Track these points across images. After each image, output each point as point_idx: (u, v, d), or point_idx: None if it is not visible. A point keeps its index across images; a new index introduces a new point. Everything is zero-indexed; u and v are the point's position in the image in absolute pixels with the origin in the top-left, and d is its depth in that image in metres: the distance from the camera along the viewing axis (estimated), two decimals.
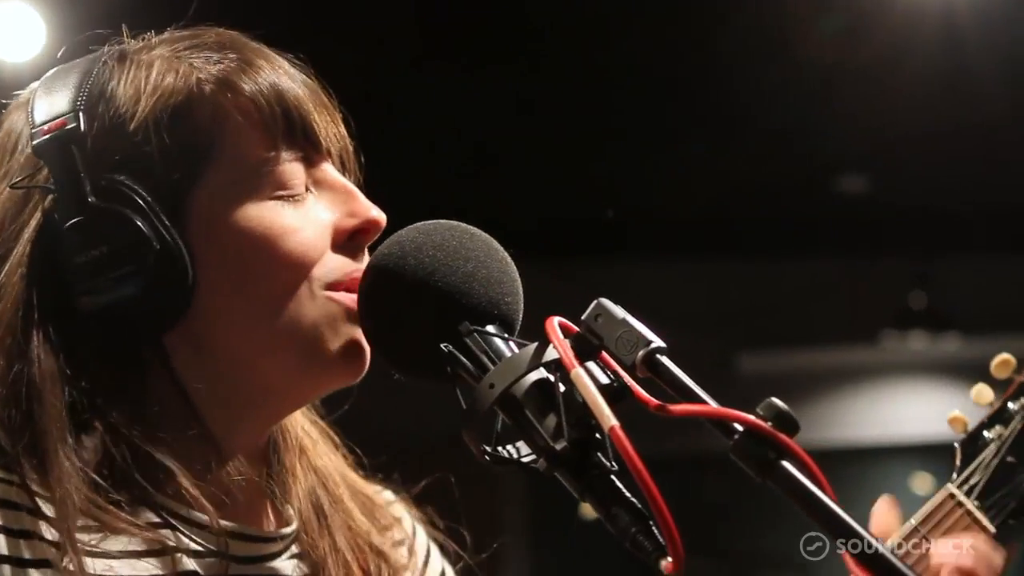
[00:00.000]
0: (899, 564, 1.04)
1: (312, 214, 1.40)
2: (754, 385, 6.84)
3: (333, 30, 4.70)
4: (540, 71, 5.39)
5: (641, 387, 1.19)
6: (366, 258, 1.43)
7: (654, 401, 1.16)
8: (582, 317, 1.21)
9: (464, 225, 1.34)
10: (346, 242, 1.41)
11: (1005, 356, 1.66)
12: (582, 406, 1.16)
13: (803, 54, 5.07)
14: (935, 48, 5.05)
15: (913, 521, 1.57)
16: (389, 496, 1.66)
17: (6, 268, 1.37)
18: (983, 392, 1.66)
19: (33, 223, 1.37)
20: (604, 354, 1.20)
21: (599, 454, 1.18)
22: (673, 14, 4.94)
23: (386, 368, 1.35)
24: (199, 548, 1.36)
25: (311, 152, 1.42)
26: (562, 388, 1.18)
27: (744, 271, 7.13)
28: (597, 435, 1.18)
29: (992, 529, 1.57)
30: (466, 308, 1.28)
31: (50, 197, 1.36)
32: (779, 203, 6.52)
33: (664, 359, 1.17)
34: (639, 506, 1.15)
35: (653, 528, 1.14)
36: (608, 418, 1.12)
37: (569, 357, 1.16)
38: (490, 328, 1.27)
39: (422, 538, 1.67)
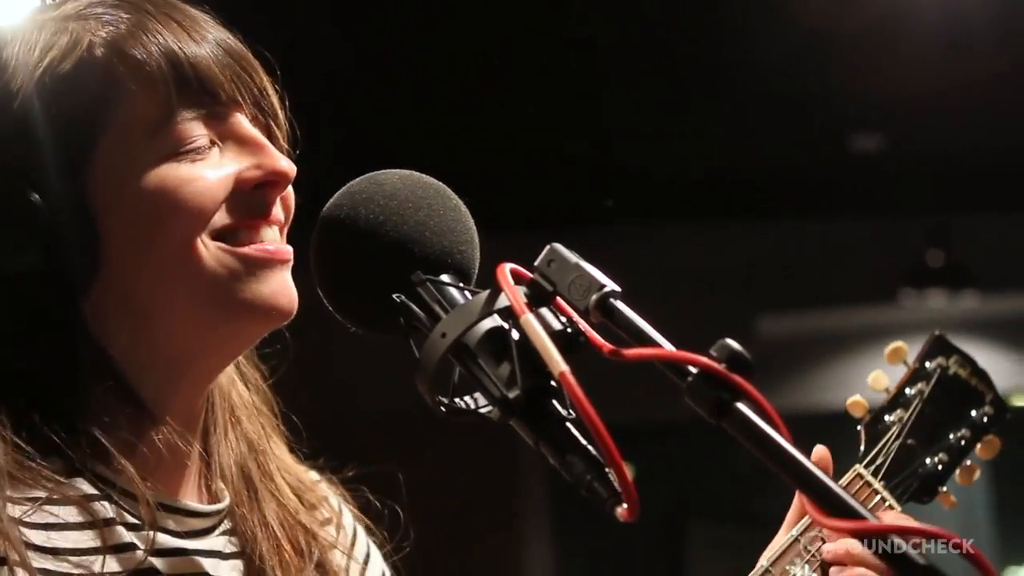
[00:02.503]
0: (853, 502, 1.00)
1: (211, 167, 1.38)
2: (773, 347, 6.80)
3: None
4: (565, 38, 5.36)
5: (597, 332, 1.16)
6: (277, 209, 1.43)
7: (608, 346, 1.13)
8: (535, 263, 1.18)
9: (417, 174, 1.31)
10: (251, 193, 1.40)
11: (897, 344, 1.74)
12: (536, 353, 1.13)
13: (813, 19, 5.04)
14: (940, 4, 5.01)
15: None
16: (315, 476, 1.65)
17: None
18: (879, 378, 1.74)
19: None
20: (559, 300, 1.17)
21: (555, 402, 1.15)
22: None
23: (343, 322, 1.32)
24: (133, 520, 1.36)
25: (214, 107, 1.40)
26: (516, 336, 1.15)
27: (761, 233, 7.09)
28: (552, 383, 1.15)
29: (898, 508, 1.64)
30: (418, 257, 1.25)
31: None
32: (794, 165, 6.48)
33: (618, 303, 1.13)
34: (595, 453, 1.13)
35: (609, 475, 1.11)
36: (558, 363, 1.08)
37: (519, 303, 1.13)
38: (444, 277, 1.24)
39: (348, 517, 1.66)
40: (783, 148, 6.27)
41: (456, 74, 5.49)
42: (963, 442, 1.71)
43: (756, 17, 5.23)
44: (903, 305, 6.88)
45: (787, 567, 1.52)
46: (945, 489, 1.70)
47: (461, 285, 1.25)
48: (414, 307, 1.23)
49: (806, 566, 1.52)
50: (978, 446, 1.72)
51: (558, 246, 1.18)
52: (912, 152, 6.38)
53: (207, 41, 1.41)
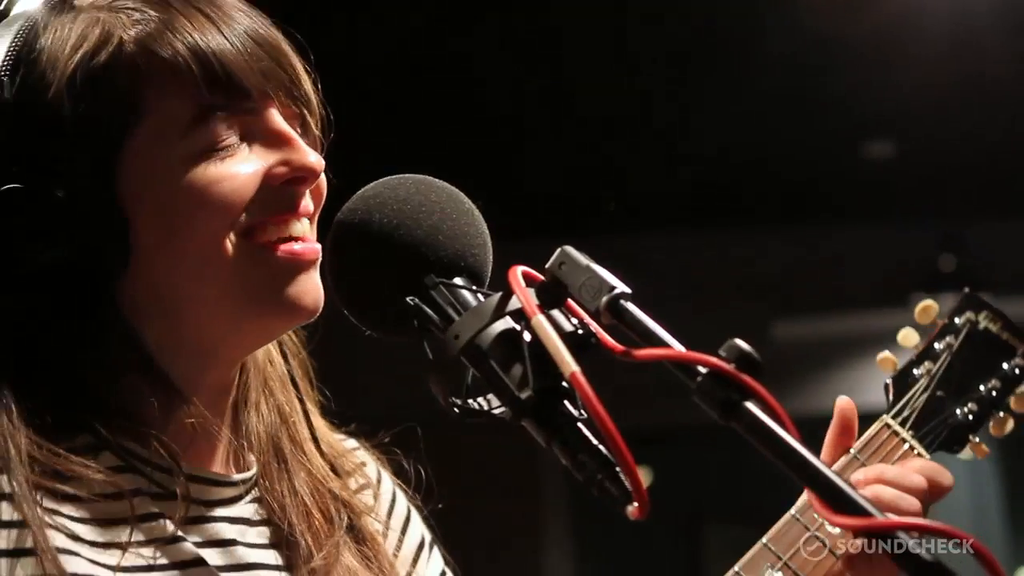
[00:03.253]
0: (861, 500, 0.99)
1: (240, 165, 1.38)
2: (789, 351, 6.77)
3: None
4: (567, 43, 5.35)
5: (609, 333, 1.15)
6: (308, 203, 1.42)
7: (619, 346, 1.13)
8: (546, 266, 1.17)
9: (430, 179, 1.31)
10: (279, 188, 1.40)
11: (927, 302, 1.71)
12: (548, 354, 1.12)
13: (828, 26, 5.03)
14: (953, 12, 4.99)
15: (852, 450, 1.59)
16: (352, 443, 1.64)
17: None
18: (909, 335, 1.72)
19: None
20: (570, 302, 1.16)
21: (566, 402, 1.14)
22: None
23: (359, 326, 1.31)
24: (159, 491, 1.37)
25: (243, 103, 1.39)
26: (528, 337, 1.15)
27: (776, 239, 7.07)
28: (564, 383, 1.14)
29: (927, 455, 1.61)
30: (431, 261, 1.24)
31: None
32: (809, 172, 6.46)
33: (628, 304, 1.12)
34: (606, 453, 1.11)
35: (620, 475, 1.10)
36: (568, 364, 1.08)
37: (530, 305, 1.12)
38: (457, 280, 1.23)
39: (387, 483, 1.65)
40: (797, 155, 6.25)
41: (469, 80, 5.48)
42: (994, 393, 1.68)
43: (770, 23, 5.22)
44: (915, 310, 6.84)
45: (761, 574, 1.51)
46: (978, 440, 1.67)
47: (474, 288, 1.24)
48: (427, 310, 1.22)
49: (779, 573, 1.51)
50: (1012, 399, 1.69)
51: (569, 249, 1.16)
52: (925, 159, 6.35)
53: (236, 33, 1.39)
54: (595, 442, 1.12)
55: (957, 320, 1.71)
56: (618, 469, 1.10)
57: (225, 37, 1.38)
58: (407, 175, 1.31)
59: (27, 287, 1.35)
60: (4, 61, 1.36)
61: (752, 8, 5.17)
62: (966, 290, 1.74)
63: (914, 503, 1.50)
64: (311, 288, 1.40)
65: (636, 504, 1.08)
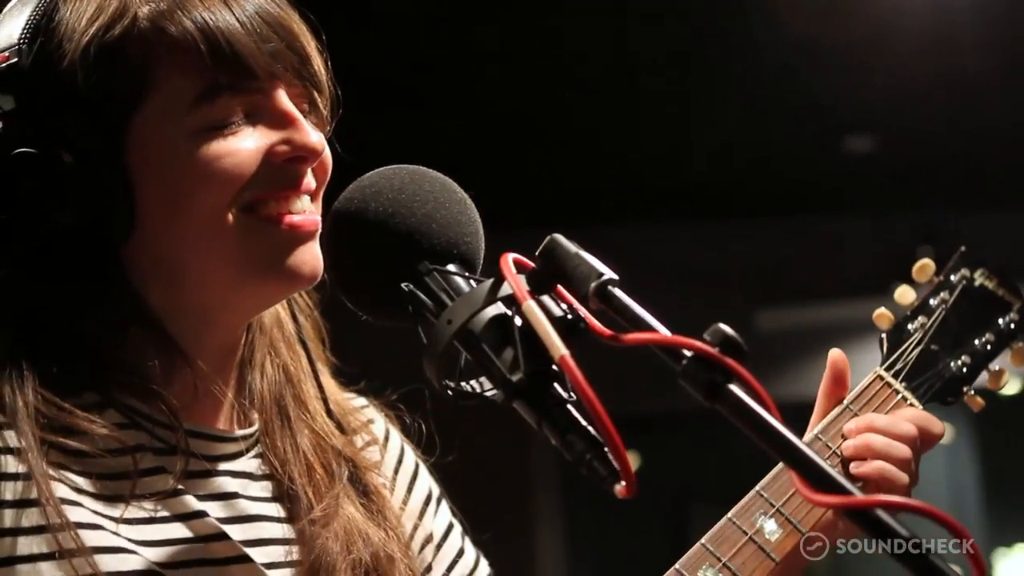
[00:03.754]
0: (840, 478, 1.00)
1: (243, 141, 1.39)
2: (772, 340, 6.79)
3: None
4: (564, 38, 5.35)
5: (597, 318, 1.16)
6: (310, 180, 1.43)
7: (607, 331, 1.14)
8: (536, 252, 1.18)
9: (424, 169, 1.32)
10: (281, 165, 1.41)
11: (924, 261, 1.71)
12: (539, 339, 1.13)
13: (806, 26, 5.04)
14: (930, 8, 5.01)
15: (845, 401, 1.58)
16: (361, 401, 1.66)
17: None
18: (906, 292, 1.71)
19: None
20: (560, 288, 1.17)
21: (556, 385, 1.15)
22: None
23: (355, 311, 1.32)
24: (162, 446, 1.39)
25: (250, 83, 1.40)
26: (519, 322, 1.15)
27: (759, 231, 7.08)
28: (554, 367, 1.15)
29: (919, 406, 1.60)
30: (425, 248, 1.26)
31: None
32: (791, 164, 6.47)
33: (616, 290, 1.13)
34: (594, 434, 1.12)
35: (608, 455, 1.11)
36: (558, 348, 1.09)
37: (521, 290, 1.13)
38: (450, 267, 1.25)
39: (395, 440, 1.67)
40: (780, 149, 6.26)
41: (460, 75, 5.48)
42: (988, 347, 1.67)
43: (752, 23, 5.23)
44: (894, 300, 6.86)
45: (753, 520, 1.50)
46: (972, 392, 1.66)
47: (467, 275, 1.25)
48: (422, 295, 1.23)
49: (772, 520, 1.50)
50: (1009, 353, 1.68)
51: (558, 236, 1.18)
52: (902, 153, 6.37)
53: (247, 13, 1.40)
54: (584, 423, 1.13)
55: (953, 277, 1.71)
56: (606, 449, 1.11)
57: (236, 16, 1.39)
58: (402, 165, 1.32)
59: (36, 249, 1.37)
60: (24, 31, 1.38)
61: (739, 13, 5.18)
62: (962, 248, 1.73)
63: (904, 450, 1.52)
64: (310, 258, 1.42)
65: (624, 483, 1.09)
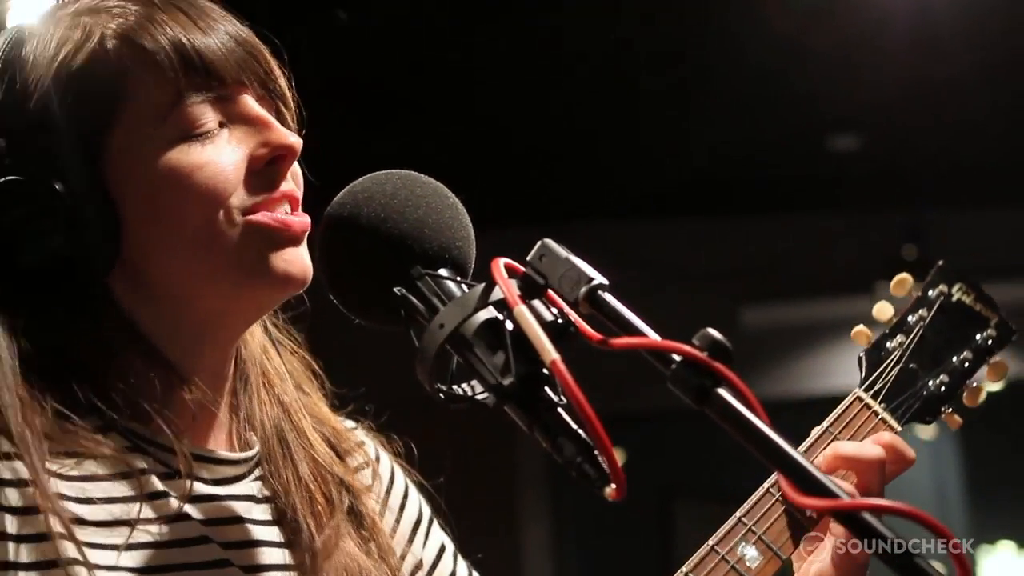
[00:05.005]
0: (827, 482, 1.01)
1: (222, 148, 1.39)
2: (757, 338, 6.81)
3: None
4: (558, 43, 5.36)
5: (587, 323, 1.17)
6: (289, 184, 1.43)
7: (597, 335, 1.14)
8: (527, 258, 1.18)
9: (416, 174, 1.33)
10: (263, 169, 1.41)
11: (902, 276, 1.68)
12: (529, 343, 1.14)
13: (792, 25, 5.06)
14: (913, 9, 5.03)
15: (824, 424, 1.58)
16: (350, 423, 1.67)
17: None
18: (884, 309, 1.68)
19: None
20: (551, 293, 1.18)
21: (547, 388, 1.16)
22: None
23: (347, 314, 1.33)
24: (166, 470, 1.39)
25: (221, 90, 1.41)
26: (510, 326, 1.16)
27: (744, 229, 7.10)
28: (544, 370, 1.16)
29: (899, 428, 1.59)
30: (417, 253, 1.26)
31: None
32: (775, 163, 6.49)
33: (606, 295, 1.14)
34: (584, 437, 1.13)
35: (598, 458, 1.12)
36: (549, 352, 1.10)
37: (512, 295, 1.14)
38: (442, 272, 1.26)
39: (386, 462, 1.67)
40: (765, 148, 6.28)
41: (451, 79, 5.49)
42: (966, 364, 1.66)
43: (738, 23, 5.24)
44: (880, 297, 6.88)
45: (735, 548, 1.50)
46: (950, 410, 1.65)
47: (458, 279, 1.26)
48: (414, 300, 1.24)
49: (752, 547, 1.50)
50: (985, 370, 1.67)
51: (549, 241, 1.18)
52: (887, 151, 6.39)
53: (213, 30, 1.42)
54: (574, 426, 1.14)
55: (931, 292, 1.68)
56: (596, 452, 1.12)
57: (201, 31, 1.41)
58: (394, 171, 1.33)
59: (26, 277, 1.37)
60: None
61: (718, 12, 5.20)
62: (940, 263, 1.71)
63: (870, 477, 1.51)
64: (299, 260, 1.42)
65: (614, 485, 1.09)
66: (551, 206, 6.40)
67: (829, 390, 6.68)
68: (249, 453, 1.49)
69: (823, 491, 1.01)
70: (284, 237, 1.40)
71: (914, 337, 1.65)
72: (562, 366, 1.08)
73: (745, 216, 7.04)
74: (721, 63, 5.56)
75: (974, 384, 1.67)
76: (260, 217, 1.39)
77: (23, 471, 1.29)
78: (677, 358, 1.08)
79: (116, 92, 1.38)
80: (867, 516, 1.00)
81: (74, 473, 1.33)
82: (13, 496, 1.29)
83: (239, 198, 1.39)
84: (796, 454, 1.03)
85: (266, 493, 1.49)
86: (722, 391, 1.07)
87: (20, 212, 1.36)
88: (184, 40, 1.39)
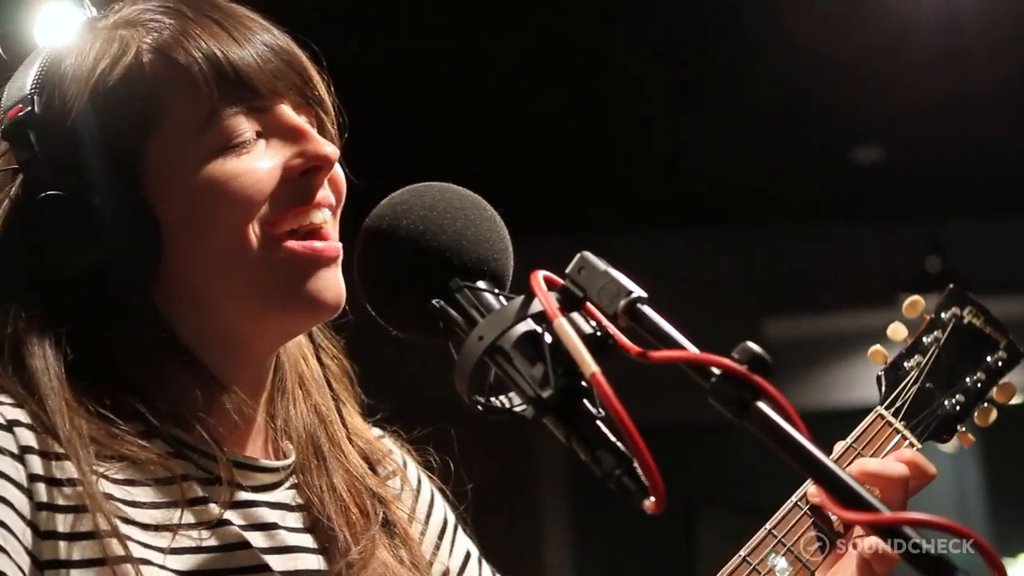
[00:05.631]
0: (869, 496, 1.01)
1: (258, 158, 1.41)
2: (780, 348, 6.78)
3: None
4: (575, 45, 5.37)
5: (625, 335, 1.17)
6: (326, 191, 1.45)
7: (636, 348, 1.14)
8: (566, 270, 1.18)
9: (454, 186, 1.33)
10: (298, 179, 1.42)
11: (914, 298, 1.73)
12: (568, 355, 1.14)
13: (818, 36, 5.06)
14: (939, 21, 5.02)
15: (848, 440, 1.63)
16: (377, 431, 1.68)
17: None
18: (898, 329, 1.75)
19: (6, 204, 1.41)
20: (589, 305, 1.18)
21: (585, 401, 1.16)
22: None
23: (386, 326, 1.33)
24: (207, 476, 1.40)
25: (257, 101, 1.42)
26: (549, 339, 1.16)
27: (768, 240, 7.09)
28: (583, 383, 1.16)
29: (919, 445, 1.66)
30: (456, 265, 1.26)
31: (19, 178, 1.41)
32: (800, 174, 6.49)
33: (645, 307, 1.14)
34: (623, 450, 1.13)
35: (637, 470, 1.12)
36: (589, 365, 1.09)
37: (552, 308, 1.14)
38: (480, 284, 1.25)
39: (413, 469, 1.68)
40: (791, 159, 6.27)
41: (465, 82, 5.50)
42: (979, 385, 1.71)
43: (764, 33, 5.25)
44: (902, 309, 6.86)
45: (765, 559, 1.53)
46: (963, 429, 1.71)
47: (496, 291, 1.26)
48: (452, 312, 1.24)
49: (782, 558, 1.53)
50: (994, 390, 1.72)
51: (588, 254, 1.18)
52: (911, 163, 6.38)
53: (249, 40, 1.43)
54: (613, 439, 1.14)
55: (943, 315, 1.74)
56: (635, 465, 1.12)
57: (237, 42, 1.42)
58: (432, 183, 1.32)
59: (69, 287, 1.39)
60: (33, 82, 1.42)
61: (745, 21, 5.20)
62: (951, 286, 1.77)
63: (894, 492, 1.53)
64: (333, 285, 1.43)
65: (653, 498, 1.09)
66: (575, 217, 6.39)
67: (852, 402, 6.67)
68: (286, 462, 1.51)
69: (865, 505, 1.01)
70: (313, 261, 1.42)
71: (930, 358, 1.71)
72: (602, 379, 1.08)
73: (768, 227, 7.03)
74: (746, 74, 5.56)
75: (985, 404, 1.73)
76: (291, 245, 1.40)
77: (72, 471, 1.31)
78: (716, 371, 1.08)
79: (153, 106, 1.40)
80: (907, 529, 1.00)
81: (120, 476, 1.35)
82: (63, 495, 1.31)
83: (271, 207, 1.40)
84: (837, 468, 1.03)
85: (299, 501, 1.50)
86: (762, 405, 1.07)
87: (61, 225, 1.38)
88: (218, 53, 1.40)
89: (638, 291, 1.14)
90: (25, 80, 1.43)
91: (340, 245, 1.45)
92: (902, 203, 6.67)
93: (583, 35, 5.26)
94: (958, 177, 6.43)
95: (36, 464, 1.31)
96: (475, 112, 5.67)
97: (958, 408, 1.70)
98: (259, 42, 1.43)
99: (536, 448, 6.33)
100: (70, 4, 4.00)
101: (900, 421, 1.66)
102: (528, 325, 1.17)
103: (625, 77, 5.59)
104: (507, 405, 1.20)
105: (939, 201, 6.59)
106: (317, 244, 1.42)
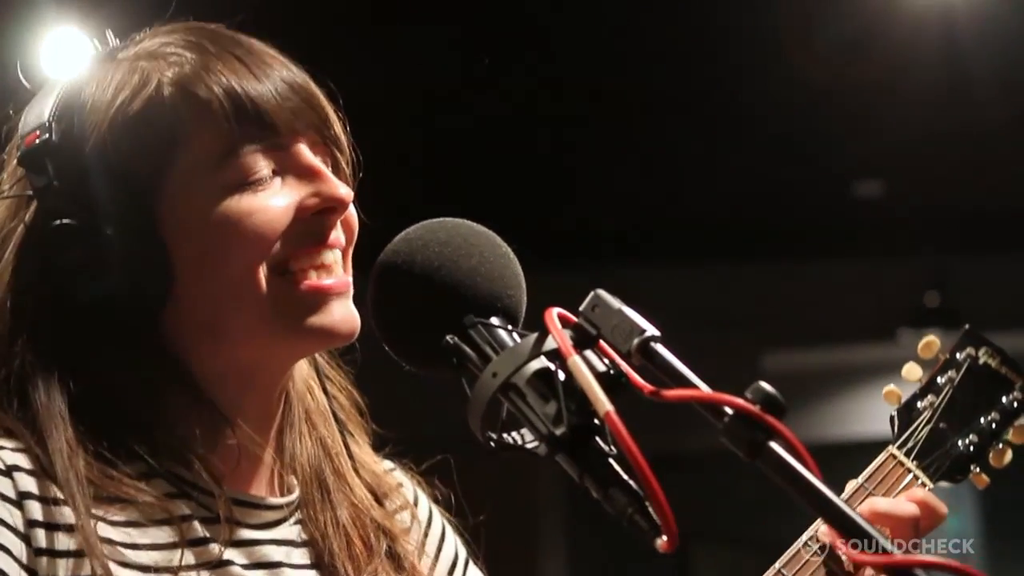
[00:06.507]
0: (881, 538, 1.02)
1: (272, 196, 1.41)
2: (779, 382, 6.75)
3: None
4: (575, 76, 5.39)
5: (638, 374, 1.18)
6: (338, 233, 1.45)
7: (649, 387, 1.14)
8: (580, 308, 1.19)
9: (469, 222, 1.33)
10: (311, 219, 1.43)
11: (930, 338, 1.74)
12: (581, 393, 1.14)
13: (818, 71, 5.08)
14: (938, 56, 5.04)
15: (860, 479, 1.62)
16: (388, 464, 1.67)
17: None
18: (912, 370, 1.75)
19: (20, 230, 1.42)
20: (602, 343, 1.19)
21: (598, 439, 1.17)
22: (689, 31, 4.95)
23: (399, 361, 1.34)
24: (208, 514, 1.40)
25: (275, 139, 1.43)
26: (562, 376, 1.17)
27: (767, 274, 7.10)
28: (596, 421, 1.16)
29: (931, 485, 1.65)
30: (470, 301, 1.26)
31: (33, 205, 1.41)
32: (799, 208, 6.50)
33: (658, 346, 1.15)
34: (636, 488, 1.14)
35: (649, 509, 1.12)
36: (603, 403, 1.10)
37: (566, 345, 1.14)
38: (494, 320, 1.26)
39: (424, 503, 1.68)
40: (790, 194, 6.29)
41: (469, 116, 5.52)
42: (994, 425, 1.71)
43: (765, 68, 5.27)
44: (902, 343, 6.88)
45: None
46: (978, 469, 1.70)
47: (510, 328, 1.26)
48: (466, 348, 1.24)
49: None
50: (1010, 431, 1.72)
51: (602, 292, 1.19)
52: (911, 198, 6.39)
53: (268, 77, 1.43)
54: (625, 477, 1.15)
55: (958, 355, 1.74)
56: (647, 503, 1.12)
57: (256, 78, 1.43)
58: (447, 219, 1.33)
59: (77, 318, 1.39)
60: (52, 109, 1.42)
61: (745, 57, 5.22)
62: (966, 327, 1.77)
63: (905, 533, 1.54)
64: (345, 314, 1.44)
65: (665, 537, 1.10)
66: (570, 248, 6.40)
67: (852, 436, 6.66)
68: (290, 498, 1.50)
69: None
70: (324, 299, 1.42)
71: (944, 398, 1.71)
72: (616, 417, 1.09)
73: (768, 261, 7.05)
74: (745, 109, 5.58)
75: (1000, 445, 1.72)
76: (301, 284, 1.41)
77: (71, 516, 1.31)
78: (729, 411, 1.09)
79: (171, 139, 1.40)
80: (919, 572, 1.01)
81: (119, 518, 1.34)
82: (63, 541, 1.31)
83: (283, 246, 1.41)
84: (848, 508, 1.04)
85: (304, 537, 1.50)
86: (774, 445, 1.08)
87: (72, 256, 1.38)
88: (238, 89, 1.41)
89: (652, 330, 1.15)
90: (44, 107, 1.43)
91: (350, 279, 1.45)
92: (902, 238, 6.68)
93: (586, 71, 5.28)
94: (958, 212, 6.45)
95: (35, 510, 1.31)
96: (487, 150, 5.69)
97: (972, 448, 1.70)
98: (278, 78, 1.44)
99: (531, 479, 6.32)
100: (76, 30, 4.03)
101: (912, 461, 1.65)
102: (542, 362, 1.17)
103: (626, 110, 5.60)
104: (520, 442, 1.21)
105: (939, 236, 6.61)
106: (326, 281, 1.43)
